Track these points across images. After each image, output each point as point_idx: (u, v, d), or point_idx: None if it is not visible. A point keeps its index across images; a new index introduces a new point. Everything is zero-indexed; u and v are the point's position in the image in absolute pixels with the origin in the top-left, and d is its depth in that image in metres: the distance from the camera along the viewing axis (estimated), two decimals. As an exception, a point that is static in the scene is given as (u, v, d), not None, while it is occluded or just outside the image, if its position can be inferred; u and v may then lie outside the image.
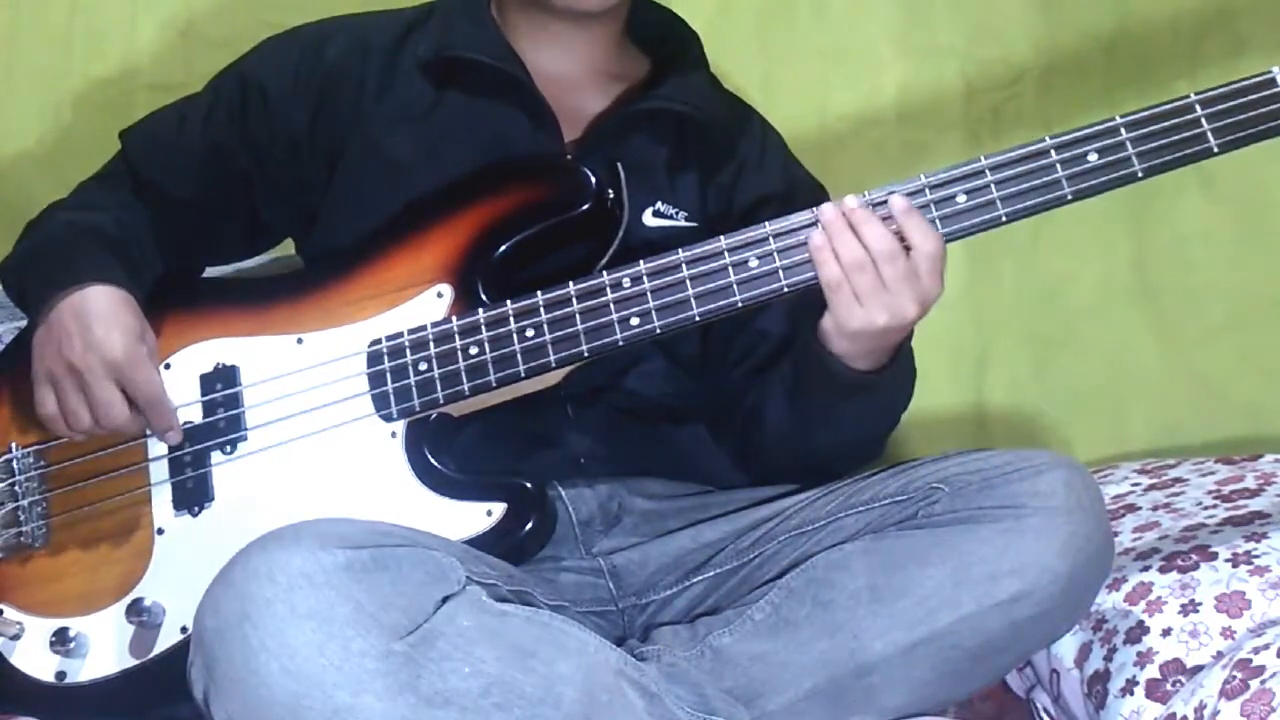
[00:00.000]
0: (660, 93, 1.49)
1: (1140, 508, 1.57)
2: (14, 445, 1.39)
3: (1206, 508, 1.53)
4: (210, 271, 1.56)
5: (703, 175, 1.49)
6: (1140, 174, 1.23)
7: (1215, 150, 1.22)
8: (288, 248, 1.59)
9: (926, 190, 1.25)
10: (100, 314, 1.33)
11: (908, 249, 1.24)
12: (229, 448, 1.35)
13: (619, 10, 1.48)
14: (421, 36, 1.48)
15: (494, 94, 1.45)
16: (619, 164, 1.37)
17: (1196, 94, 1.22)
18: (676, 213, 1.46)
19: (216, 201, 1.49)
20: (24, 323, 1.46)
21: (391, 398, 1.32)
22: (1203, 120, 1.22)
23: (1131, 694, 1.31)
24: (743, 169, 1.51)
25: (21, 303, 1.44)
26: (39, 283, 1.37)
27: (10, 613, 1.36)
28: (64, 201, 1.50)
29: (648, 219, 1.45)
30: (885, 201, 1.25)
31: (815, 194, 1.52)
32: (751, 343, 1.46)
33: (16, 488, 1.38)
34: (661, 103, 1.47)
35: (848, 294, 1.24)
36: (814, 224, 1.26)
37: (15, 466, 1.39)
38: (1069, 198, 1.24)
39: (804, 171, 1.57)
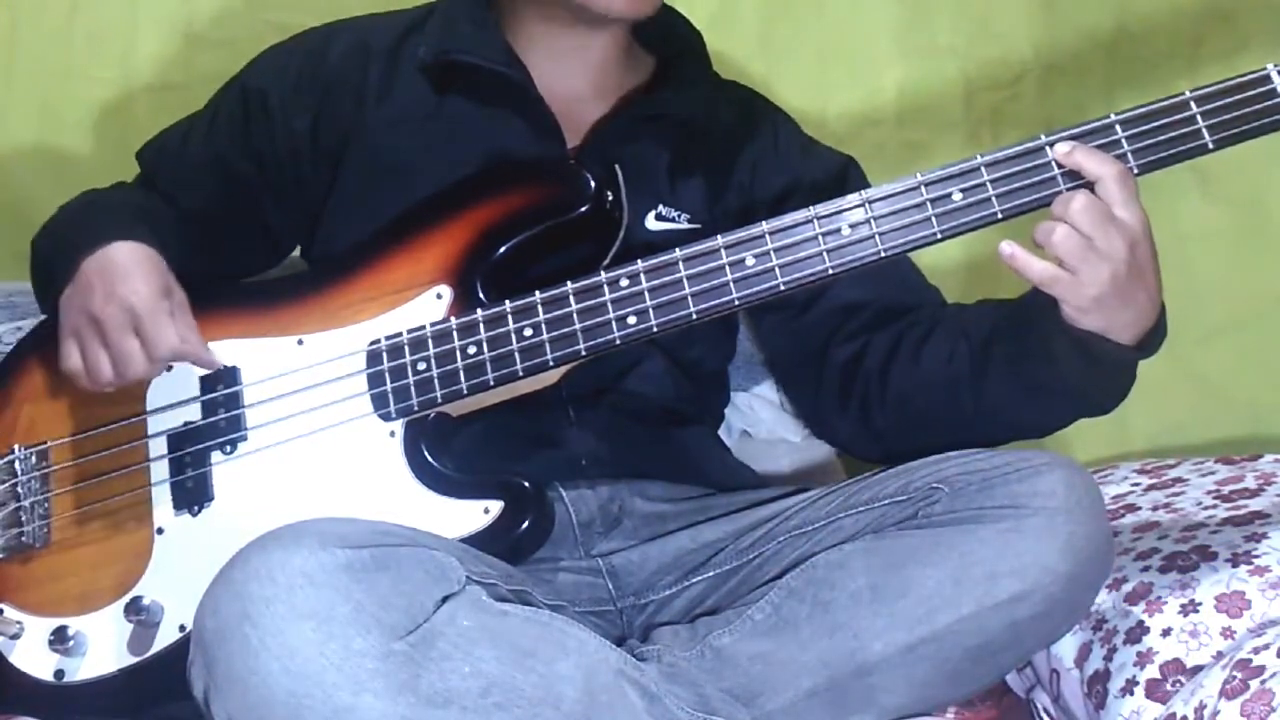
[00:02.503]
0: (663, 96, 1.49)
1: (1140, 508, 1.57)
2: (17, 446, 1.40)
3: (1206, 508, 1.52)
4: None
5: (710, 177, 1.49)
6: (1136, 170, 1.22)
7: (1210, 147, 1.21)
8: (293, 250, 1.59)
9: (922, 188, 1.25)
10: (123, 266, 1.32)
11: (1090, 188, 1.20)
12: (229, 448, 1.35)
13: None
14: (422, 38, 1.48)
15: (495, 98, 1.45)
16: (617, 166, 1.37)
17: (1191, 91, 1.21)
18: (679, 216, 1.46)
19: (226, 212, 1.50)
20: (23, 322, 1.47)
21: (390, 397, 1.32)
22: (1198, 117, 1.21)
23: (1131, 694, 1.31)
24: (758, 163, 1.51)
25: (50, 277, 1.39)
26: (66, 249, 1.36)
27: (10, 612, 1.36)
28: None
29: (650, 223, 1.45)
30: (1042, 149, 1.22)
31: (843, 171, 1.52)
32: (843, 316, 1.45)
33: (19, 488, 1.39)
34: (664, 107, 1.47)
35: (1065, 279, 1.21)
36: (809, 221, 1.26)
37: (18, 468, 1.39)
38: (1065, 194, 1.23)
39: (825, 149, 1.56)
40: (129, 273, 1.32)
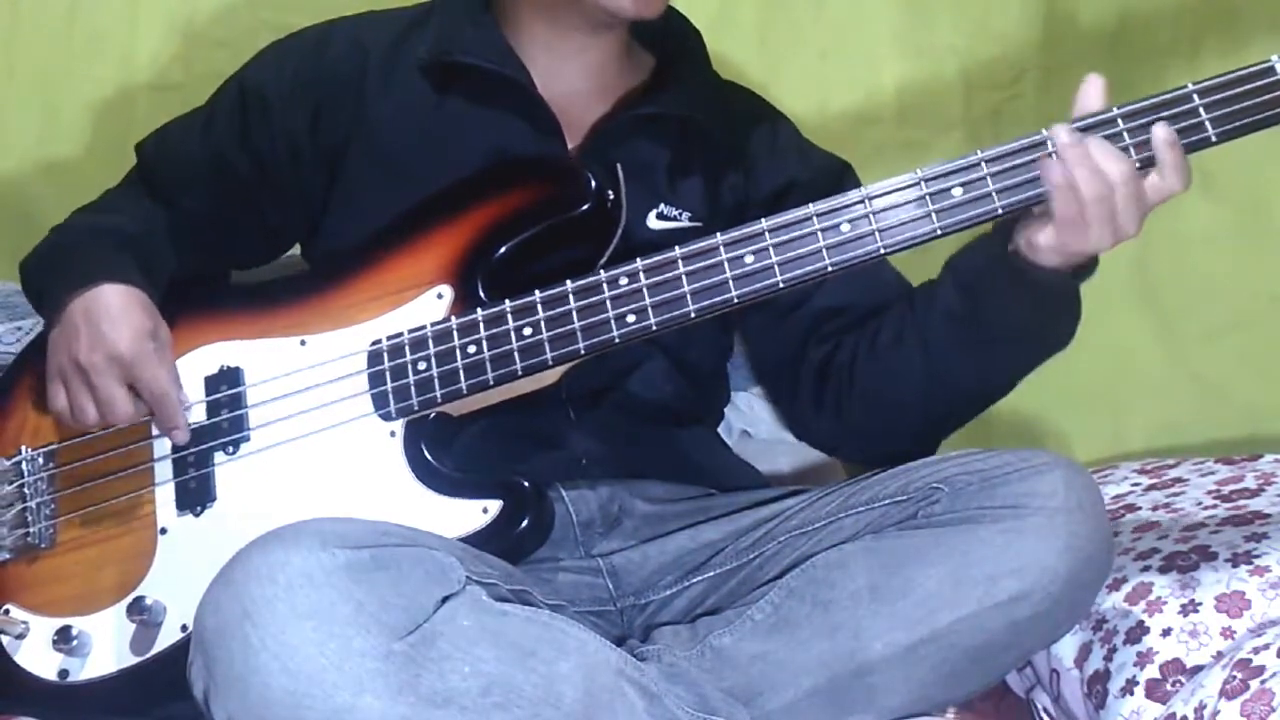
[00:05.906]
0: (662, 97, 1.48)
1: (1140, 508, 1.57)
2: (24, 448, 1.40)
3: (1206, 508, 1.53)
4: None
5: (709, 175, 1.49)
6: (1137, 164, 1.21)
7: (1213, 140, 1.20)
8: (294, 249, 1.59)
9: (922, 184, 1.24)
10: (109, 312, 1.34)
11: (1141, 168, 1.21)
12: (231, 448, 1.35)
13: None
14: (421, 37, 1.48)
15: (495, 98, 1.45)
16: (618, 165, 1.37)
17: (1194, 83, 1.20)
18: (680, 214, 1.47)
19: (224, 209, 1.50)
20: (23, 322, 1.47)
21: (390, 397, 1.32)
22: (1200, 110, 1.20)
23: (1131, 694, 1.31)
24: (755, 163, 1.51)
25: (38, 302, 1.44)
26: (54, 282, 1.38)
27: (15, 612, 1.36)
28: (89, 205, 1.51)
29: (652, 222, 1.45)
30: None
31: (839, 175, 1.52)
32: (820, 319, 1.46)
33: (26, 489, 1.39)
34: (663, 108, 1.47)
35: (1081, 223, 1.21)
36: (809, 219, 1.26)
37: (25, 469, 1.40)
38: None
39: (822, 154, 1.56)
40: (114, 319, 1.33)
